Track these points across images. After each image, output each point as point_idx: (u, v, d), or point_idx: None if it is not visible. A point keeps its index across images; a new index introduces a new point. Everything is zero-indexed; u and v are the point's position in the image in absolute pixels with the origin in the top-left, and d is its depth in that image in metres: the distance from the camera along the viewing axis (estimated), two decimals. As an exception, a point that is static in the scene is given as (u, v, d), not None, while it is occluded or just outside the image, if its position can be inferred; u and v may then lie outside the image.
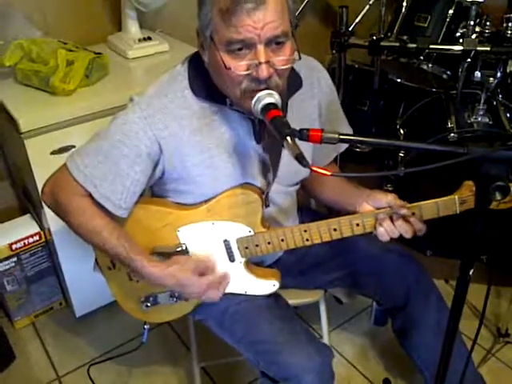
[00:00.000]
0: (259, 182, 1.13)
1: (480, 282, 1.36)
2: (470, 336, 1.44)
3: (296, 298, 1.31)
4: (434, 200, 1.05)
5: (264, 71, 0.91)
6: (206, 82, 1.04)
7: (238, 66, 0.93)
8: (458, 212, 1.05)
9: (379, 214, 1.05)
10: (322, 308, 1.43)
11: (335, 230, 1.08)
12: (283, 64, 0.94)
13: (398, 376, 1.63)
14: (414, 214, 1.05)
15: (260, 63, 0.91)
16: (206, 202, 1.11)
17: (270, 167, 1.12)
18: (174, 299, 1.18)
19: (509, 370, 1.64)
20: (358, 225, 1.07)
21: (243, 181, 1.11)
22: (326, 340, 1.46)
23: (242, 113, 1.05)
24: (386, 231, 1.06)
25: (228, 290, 1.16)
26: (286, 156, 1.09)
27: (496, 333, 1.72)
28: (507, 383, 1.60)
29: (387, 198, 1.07)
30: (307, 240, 1.10)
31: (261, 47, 0.91)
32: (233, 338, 1.17)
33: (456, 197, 1.03)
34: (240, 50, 0.92)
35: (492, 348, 1.69)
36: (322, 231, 1.08)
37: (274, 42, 0.92)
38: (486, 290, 0.95)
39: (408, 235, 1.06)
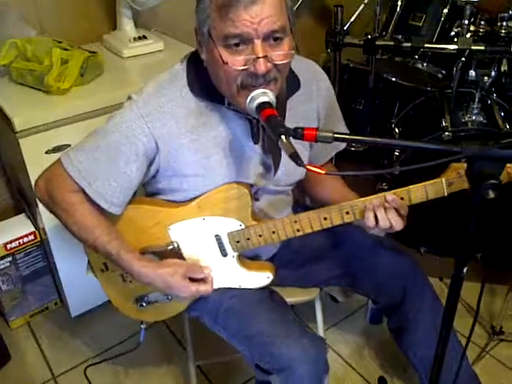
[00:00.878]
0: (252, 180, 1.13)
1: (474, 280, 1.37)
2: (465, 334, 1.45)
3: (292, 297, 1.31)
4: (421, 183, 1.06)
5: (261, 66, 0.91)
6: (205, 81, 1.04)
7: (236, 61, 0.93)
8: (445, 194, 1.05)
9: (371, 202, 1.06)
10: (318, 306, 1.44)
11: (325, 218, 1.08)
12: (281, 59, 0.94)
13: (394, 374, 1.63)
14: (402, 198, 1.06)
15: (257, 58, 0.91)
16: (196, 198, 1.11)
17: (271, 167, 1.12)
18: (169, 297, 1.18)
19: (503, 367, 1.65)
20: (347, 213, 1.08)
21: (235, 178, 1.11)
22: (321, 335, 1.46)
23: (239, 112, 1.06)
24: (377, 218, 1.05)
25: (222, 285, 1.17)
26: (284, 156, 1.10)
27: (490, 330, 1.73)
28: (502, 381, 1.61)
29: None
30: (298, 230, 1.10)
31: (258, 42, 0.91)
32: (227, 333, 1.17)
33: (443, 179, 1.04)
34: (237, 44, 0.92)
35: (486, 346, 1.70)
36: (312, 221, 1.09)
37: (272, 38, 0.92)
38: (480, 287, 0.95)
39: (398, 227, 1.06)
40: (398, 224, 1.06)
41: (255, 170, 1.12)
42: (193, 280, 1.10)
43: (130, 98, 1.07)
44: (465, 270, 0.90)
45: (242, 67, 0.93)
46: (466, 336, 0.98)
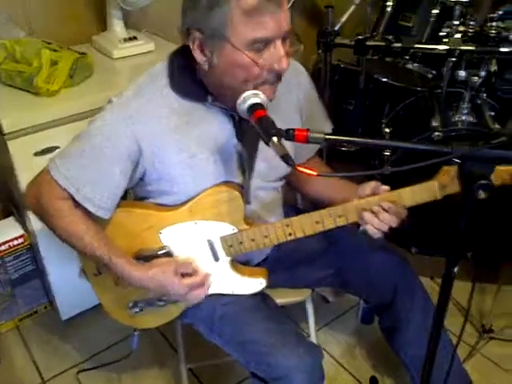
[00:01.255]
0: (239, 179, 1.13)
1: (465, 279, 1.37)
2: (455, 332, 1.44)
3: (283, 298, 1.31)
4: (414, 186, 1.06)
5: (285, 63, 0.97)
6: (189, 80, 1.05)
7: (261, 61, 0.96)
8: (438, 197, 1.05)
9: (364, 214, 1.06)
10: (310, 307, 1.44)
11: (317, 222, 1.08)
12: (293, 54, 1.00)
13: (385, 374, 1.64)
14: (395, 201, 1.06)
15: (282, 57, 0.96)
16: (188, 201, 1.11)
17: (248, 163, 1.12)
18: (162, 303, 1.17)
19: (493, 365, 1.66)
20: (340, 216, 1.07)
21: (224, 179, 1.11)
22: (313, 339, 1.46)
23: (223, 109, 1.06)
24: (376, 228, 1.06)
25: (215, 291, 1.16)
26: (265, 151, 1.09)
27: (481, 329, 1.74)
28: (492, 379, 1.62)
29: (372, 185, 1.09)
30: (290, 234, 1.10)
31: (279, 42, 0.96)
32: (222, 340, 1.17)
33: (436, 182, 1.04)
34: (261, 46, 0.95)
35: (477, 344, 1.71)
36: (304, 225, 1.08)
37: (285, 37, 0.97)
38: (470, 286, 0.96)
39: (395, 224, 1.07)
40: (393, 223, 1.07)
41: (238, 167, 1.12)
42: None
43: (110, 101, 1.07)
44: (456, 269, 0.91)
45: (269, 66, 0.96)
46: (457, 335, 0.99)
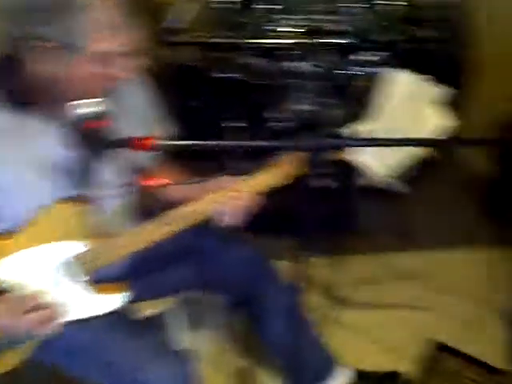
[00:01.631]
0: (81, 191, 1.05)
1: (317, 256, 1.44)
2: (311, 306, 1.50)
3: (148, 309, 1.29)
4: (260, 174, 1.12)
5: (128, 75, 1.00)
6: (12, 90, 0.96)
7: (109, 71, 0.97)
8: (284, 182, 1.13)
9: (213, 204, 1.09)
10: (176, 313, 1.44)
11: (169, 223, 1.07)
12: (136, 67, 1.03)
13: (257, 363, 1.65)
14: (244, 190, 1.10)
15: (127, 69, 0.99)
16: (25, 226, 1.01)
17: (89, 175, 1.05)
18: (12, 341, 1.03)
19: (346, 332, 1.78)
20: (190, 213, 1.08)
21: (62, 195, 1.02)
22: (184, 343, 1.46)
23: (55, 120, 0.99)
24: (230, 218, 1.10)
25: (75, 316, 1.07)
26: (109, 161, 1.03)
27: (334, 300, 1.88)
28: (346, 344, 1.68)
29: (222, 177, 1.13)
30: (145, 241, 1.07)
31: (127, 55, 0.97)
32: (86, 368, 1.09)
33: (279, 168, 1.11)
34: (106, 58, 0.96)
35: (332, 314, 1.83)
36: (156, 228, 1.07)
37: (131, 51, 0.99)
38: (320, 261, 1.02)
39: (249, 211, 1.11)
40: (247, 211, 1.10)
41: (78, 179, 1.05)
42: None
43: None
44: (307, 249, 0.97)
45: (115, 76, 0.98)
46: (313, 308, 1.04)
